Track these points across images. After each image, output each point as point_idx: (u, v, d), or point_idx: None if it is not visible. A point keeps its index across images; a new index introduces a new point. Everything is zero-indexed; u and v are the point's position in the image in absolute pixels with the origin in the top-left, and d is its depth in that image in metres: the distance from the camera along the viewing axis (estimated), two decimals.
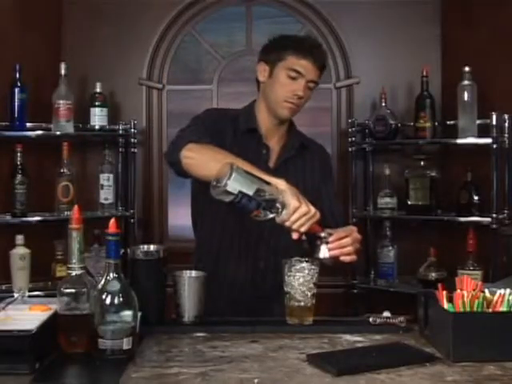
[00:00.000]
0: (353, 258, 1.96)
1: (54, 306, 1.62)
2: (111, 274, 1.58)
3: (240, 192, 1.74)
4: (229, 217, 2.15)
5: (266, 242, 2.17)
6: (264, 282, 2.16)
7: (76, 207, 1.64)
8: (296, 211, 1.80)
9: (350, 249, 1.94)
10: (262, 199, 1.77)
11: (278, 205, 1.79)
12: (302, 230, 1.82)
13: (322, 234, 1.91)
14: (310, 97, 2.21)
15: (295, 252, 2.02)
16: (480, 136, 3.24)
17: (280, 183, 1.83)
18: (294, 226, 1.81)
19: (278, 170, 2.17)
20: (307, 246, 2.09)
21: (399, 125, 3.52)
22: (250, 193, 1.75)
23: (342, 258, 1.93)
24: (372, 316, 1.86)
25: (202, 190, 2.00)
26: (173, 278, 1.89)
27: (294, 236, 1.85)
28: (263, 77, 2.20)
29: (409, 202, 3.47)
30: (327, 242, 1.91)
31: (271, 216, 1.81)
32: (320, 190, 2.26)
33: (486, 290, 1.68)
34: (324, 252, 1.91)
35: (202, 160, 1.96)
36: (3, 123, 3.24)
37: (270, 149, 2.21)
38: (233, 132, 2.19)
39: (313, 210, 1.83)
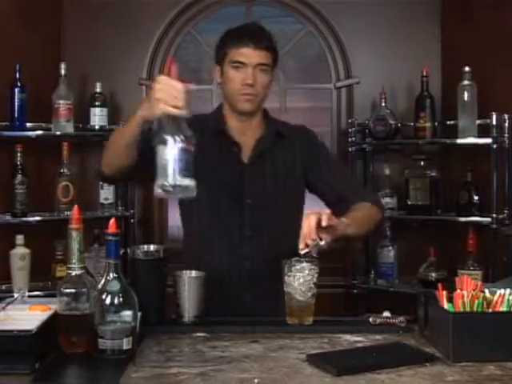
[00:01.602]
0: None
1: (53, 306, 1.62)
2: (111, 274, 1.58)
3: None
4: (210, 218, 2.15)
5: (249, 240, 2.15)
6: (252, 282, 2.13)
7: (76, 207, 1.63)
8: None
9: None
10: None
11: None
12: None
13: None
14: (267, 82, 2.16)
15: (282, 250, 2.03)
16: (480, 136, 3.24)
17: None
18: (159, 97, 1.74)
19: (254, 165, 2.17)
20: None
21: (399, 125, 3.52)
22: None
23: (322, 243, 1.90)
24: (372, 316, 1.86)
25: None
26: (173, 278, 1.89)
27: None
28: (218, 78, 2.20)
29: (409, 202, 3.47)
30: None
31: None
32: (313, 170, 2.22)
33: (486, 290, 1.68)
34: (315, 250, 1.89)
35: (112, 143, 2.10)
36: (3, 123, 3.24)
37: (241, 146, 2.18)
38: (203, 135, 2.13)
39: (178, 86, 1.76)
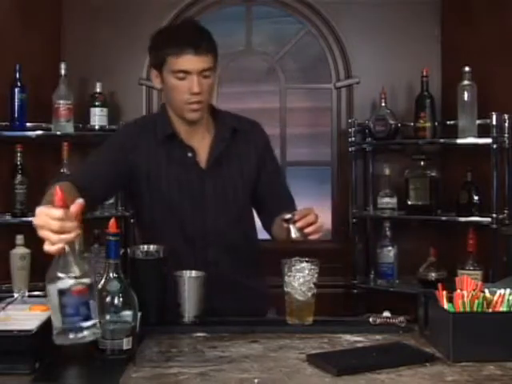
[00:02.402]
0: (320, 234, 1.92)
1: None
2: (111, 274, 1.58)
3: None
4: (172, 226, 2.11)
5: (213, 246, 2.12)
6: (217, 287, 2.01)
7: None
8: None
9: (317, 225, 1.90)
10: None
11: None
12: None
13: (287, 216, 1.91)
14: (212, 85, 2.06)
15: (246, 249, 2.05)
16: (480, 136, 3.24)
17: None
18: None
19: (212, 169, 2.11)
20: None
21: (399, 125, 3.52)
22: None
23: (311, 237, 1.90)
24: (372, 316, 1.86)
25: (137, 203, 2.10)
26: (173, 277, 1.89)
27: None
28: (158, 84, 2.08)
29: (409, 202, 3.47)
30: (294, 222, 1.90)
31: None
32: (259, 173, 2.18)
33: (486, 290, 1.68)
34: (294, 231, 1.90)
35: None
36: (3, 123, 3.24)
37: (195, 149, 2.11)
38: (153, 141, 2.10)
39: None
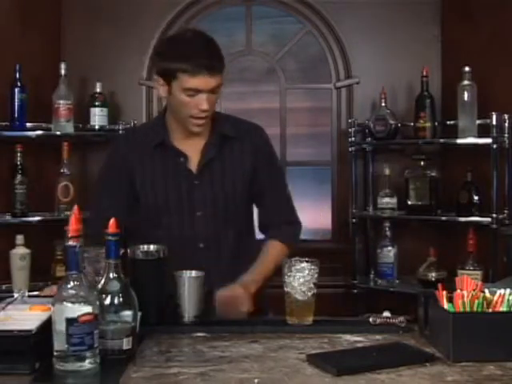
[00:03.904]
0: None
1: None
2: (111, 274, 1.58)
3: None
4: (162, 231, 2.13)
5: (203, 252, 2.13)
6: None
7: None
8: None
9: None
10: None
11: None
12: None
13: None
14: (219, 96, 2.10)
15: (240, 252, 2.08)
16: (480, 136, 3.24)
17: None
18: None
19: (202, 173, 2.13)
20: None
21: (399, 125, 3.52)
22: None
23: None
24: (372, 316, 1.86)
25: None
26: (173, 277, 1.89)
27: None
28: (164, 92, 2.08)
29: (409, 202, 3.47)
30: None
31: None
32: (255, 178, 2.17)
33: (486, 290, 1.68)
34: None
35: None
36: (3, 123, 3.24)
37: (187, 155, 2.13)
38: (145, 150, 2.14)
39: None
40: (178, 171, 2.13)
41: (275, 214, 2.22)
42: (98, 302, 1.48)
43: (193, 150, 2.14)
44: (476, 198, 3.32)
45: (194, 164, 2.14)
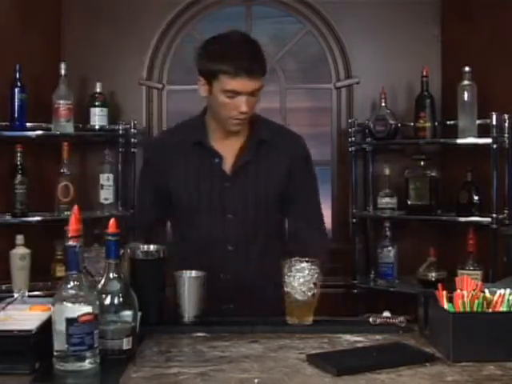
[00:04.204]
0: None
1: None
2: (111, 274, 1.58)
3: None
4: (192, 231, 2.16)
5: (232, 255, 2.14)
6: (233, 296, 2.09)
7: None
8: None
9: None
10: None
11: None
12: None
13: None
14: (259, 99, 2.09)
15: (267, 256, 2.06)
16: (480, 136, 3.24)
17: None
18: None
19: (236, 175, 2.13)
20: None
21: (399, 125, 3.52)
22: None
23: None
24: (372, 316, 1.86)
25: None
26: (173, 277, 1.89)
27: None
28: (204, 92, 2.08)
29: (409, 202, 3.47)
30: None
31: None
32: (288, 186, 2.16)
33: (486, 290, 1.68)
34: None
35: None
36: (3, 123, 3.24)
37: (222, 156, 2.13)
38: (181, 149, 2.15)
39: None
40: (212, 172, 2.13)
41: (302, 223, 2.19)
42: (97, 302, 1.48)
43: (229, 151, 2.14)
44: (476, 198, 3.31)
45: (228, 166, 2.14)
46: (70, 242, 1.48)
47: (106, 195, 3.47)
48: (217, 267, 2.07)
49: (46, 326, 1.49)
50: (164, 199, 2.18)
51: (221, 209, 2.13)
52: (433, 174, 3.44)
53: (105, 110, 3.47)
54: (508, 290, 1.64)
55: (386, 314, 1.88)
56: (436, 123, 3.44)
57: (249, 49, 2.05)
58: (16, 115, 3.22)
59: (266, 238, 2.17)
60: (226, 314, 2.01)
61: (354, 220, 3.57)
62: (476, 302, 1.63)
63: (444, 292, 1.68)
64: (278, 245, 2.18)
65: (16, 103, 3.22)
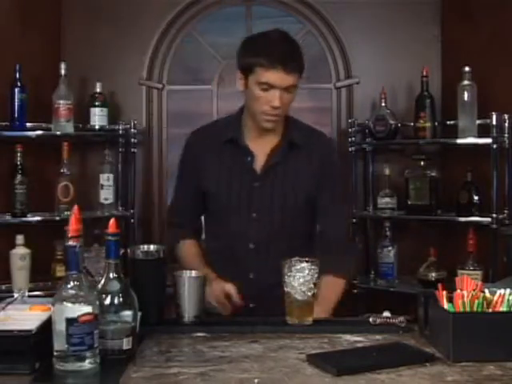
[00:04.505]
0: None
1: None
2: (111, 274, 1.58)
3: None
4: (217, 227, 2.23)
5: (254, 253, 2.16)
6: (256, 293, 2.12)
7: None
8: None
9: None
10: None
11: None
12: None
13: None
14: (293, 98, 2.13)
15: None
16: (480, 136, 3.24)
17: None
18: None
19: (265, 175, 2.15)
20: None
21: (399, 125, 3.52)
22: None
23: None
24: (372, 316, 1.86)
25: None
26: (173, 277, 1.89)
27: None
28: (241, 86, 2.13)
29: (409, 202, 3.47)
30: None
31: None
32: (317, 189, 2.18)
33: (486, 290, 1.68)
34: None
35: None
36: (3, 123, 3.24)
37: (254, 155, 2.16)
38: (215, 145, 2.19)
39: None
40: (242, 170, 2.16)
41: (331, 233, 2.19)
42: (97, 302, 1.49)
43: (261, 151, 2.17)
44: (476, 197, 3.31)
45: (259, 165, 2.17)
46: (70, 242, 1.48)
47: (106, 195, 3.47)
48: (240, 265, 2.11)
49: (46, 325, 1.49)
50: (198, 195, 2.23)
51: (247, 207, 2.15)
52: (433, 174, 3.44)
53: (105, 109, 3.47)
54: (508, 290, 1.64)
55: (386, 313, 1.88)
56: (436, 123, 3.44)
57: (286, 45, 2.12)
58: (16, 115, 3.22)
59: (290, 239, 2.17)
60: (246, 313, 2.05)
61: (354, 220, 3.56)
62: (476, 301, 1.63)
63: (444, 292, 1.68)
64: (302, 247, 2.14)
65: (16, 103, 3.22)
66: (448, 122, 3.45)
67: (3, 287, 3.08)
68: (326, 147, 2.26)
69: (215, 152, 2.18)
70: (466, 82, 3.26)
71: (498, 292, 1.65)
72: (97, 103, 3.45)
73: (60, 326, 1.44)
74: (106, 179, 3.47)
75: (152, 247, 1.91)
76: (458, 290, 1.66)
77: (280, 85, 2.04)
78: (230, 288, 2.01)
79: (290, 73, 2.04)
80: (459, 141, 3.28)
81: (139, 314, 1.63)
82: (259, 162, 2.17)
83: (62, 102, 3.28)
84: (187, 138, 2.30)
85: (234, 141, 2.17)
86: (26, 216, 3.23)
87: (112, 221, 1.60)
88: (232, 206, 2.16)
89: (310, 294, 1.85)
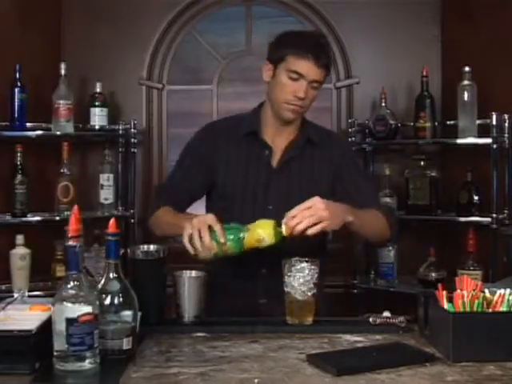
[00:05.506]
0: (317, 228, 1.88)
1: None
2: (111, 274, 1.58)
3: None
4: (231, 220, 2.14)
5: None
6: (267, 289, 2.11)
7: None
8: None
9: (309, 220, 1.86)
10: None
11: None
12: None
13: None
14: (315, 97, 2.16)
15: (304, 255, 1.98)
16: (480, 136, 3.23)
17: None
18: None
19: (281, 169, 2.19)
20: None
21: (399, 125, 3.52)
22: None
23: (309, 232, 1.87)
24: (372, 316, 1.86)
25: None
26: (173, 278, 1.89)
27: None
28: (267, 77, 2.16)
29: (409, 202, 3.47)
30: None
31: None
32: (336, 184, 2.19)
33: (486, 290, 1.68)
34: (285, 229, 1.88)
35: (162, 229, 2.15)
36: (3, 123, 3.24)
37: (272, 149, 2.20)
38: (233, 138, 2.20)
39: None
40: (259, 163, 2.18)
41: (370, 202, 2.19)
42: (97, 302, 1.49)
43: (278, 146, 2.20)
44: (476, 197, 3.31)
45: (275, 159, 2.20)
46: (70, 242, 1.48)
47: (106, 195, 3.47)
48: (252, 259, 2.08)
49: (46, 325, 1.49)
50: (195, 187, 2.22)
51: (262, 199, 2.16)
52: (433, 174, 3.44)
53: (105, 110, 3.47)
54: (508, 290, 1.64)
55: (386, 314, 1.88)
56: (436, 123, 3.44)
57: (320, 40, 2.16)
58: (16, 115, 3.22)
59: (304, 239, 2.15)
60: (259, 308, 2.06)
61: None
62: (476, 301, 1.63)
63: (444, 292, 1.68)
64: (315, 249, 2.12)
65: (16, 103, 3.22)
66: (448, 122, 3.45)
67: (3, 287, 3.08)
68: (343, 145, 2.35)
69: (233, 144, 2.20)
70: (465, 82, 3.25)
71: (498, 292, 1.65)
72: (97, 103, 3.45)
73: (60, 326, 1.44)
74: (106, 179, 3.47)
75: (152, 247, 1.91)
76: (458, 290, 1.67)
77: (309, 75, 2.08)
78: (213, 219, 1.88)
79: (320, 66, 2.09)
80: (459, 141, 3.28)
81: (139, 314, 1.63)
82: (276, 157, 2.20)
83: (61, 102, 3.27)
84: (199, 130, 2.30)
85: (253, 133, 2.20)
86: (26, 216, 3.23)
87: (112, 221, 1.60)
88: (247, 197, 2.16)
89: (309, 294, 1.86)
